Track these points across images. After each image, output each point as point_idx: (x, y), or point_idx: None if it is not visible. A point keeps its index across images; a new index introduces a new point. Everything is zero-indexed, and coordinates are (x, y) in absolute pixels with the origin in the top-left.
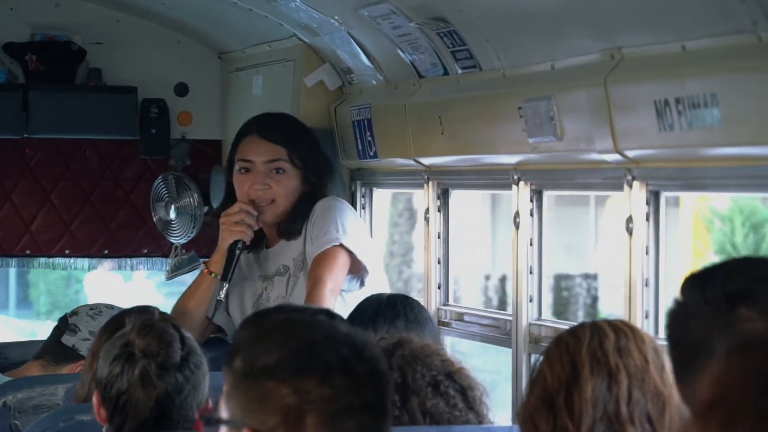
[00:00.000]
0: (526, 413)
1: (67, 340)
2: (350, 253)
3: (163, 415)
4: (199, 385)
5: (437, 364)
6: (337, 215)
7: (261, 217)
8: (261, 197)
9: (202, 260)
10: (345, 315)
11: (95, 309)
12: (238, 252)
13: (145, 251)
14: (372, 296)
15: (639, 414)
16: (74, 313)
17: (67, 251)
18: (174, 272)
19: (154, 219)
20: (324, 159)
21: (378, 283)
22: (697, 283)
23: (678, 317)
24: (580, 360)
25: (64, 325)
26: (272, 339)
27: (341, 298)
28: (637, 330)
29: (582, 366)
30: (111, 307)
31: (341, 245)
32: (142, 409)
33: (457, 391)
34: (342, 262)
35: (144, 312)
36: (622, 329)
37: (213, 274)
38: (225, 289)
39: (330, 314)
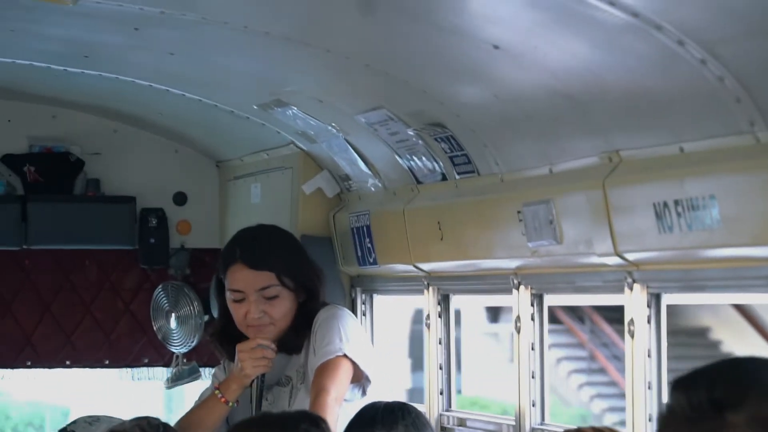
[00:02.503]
0: None
1: None
2: (353, 363)
3: None
4: None
5: None
6: (340, 325)
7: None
8: (259, 323)
9: (201, 369)
10: (344, 424)
11: (93, 417)
12: (262, 385)
13: (146, 360)
14: (370, 403)
15: None
16: (72, 422)
17: (67, 362)
18: (174, 382)
19: (155, 328)
20: (311, 267)
21: (380, 392)
22: (682, 388)
23: (665, 422)
24: None
25: None
26: None
27: (342, 408)
28: None
29: None
30: (110, 417)
31: (345, 355)
32: None
33: None
34: (345, 372)
35: (146, 421)
36: None
37: (231, 404)
38: None
39: (314, 423)
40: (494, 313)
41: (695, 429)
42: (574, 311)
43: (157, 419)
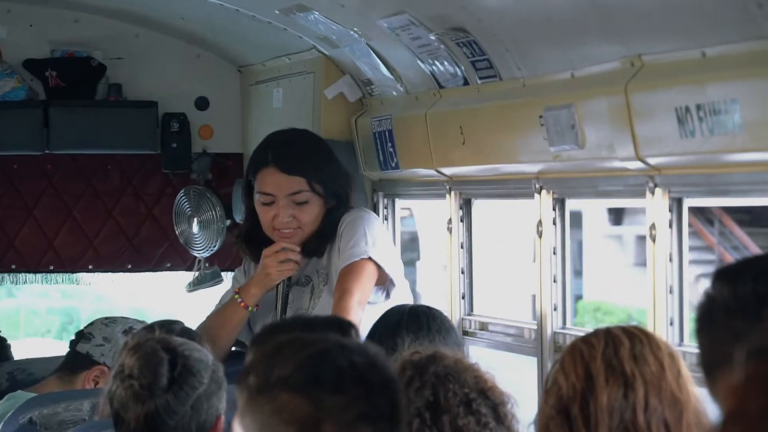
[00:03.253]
0: (542, 422)
1: (81, 347)
2: (378, 266)
3: None
4: (201, 407)
5: (470, 381)
6: (366, 227)
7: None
8: (286, 227)
9: (223, 273)
10: (369, 327)
11: (110, 318)
12: (287, 290)
13: (168, 265)
14: (395, 307)
15: (656, 421)
16: (89, 324)
17: (90, 266)
18: (195, 286)
19: (177, 233)
20: (342, 173)
21: (403, 295)
22: (727, 278)
23: (706, 312)
24: (595, 368)
25: (78, 336)
26: (285, 352)
27: (365, 311)
28: (651, 336)
29: (597, 374)
30: (126, 318)
31: (369, 258)
32: (135, 429)
33: (489, 408)
34: (370, 275)
35: (166, 327)
36: (636, 335)
37: (251, 308)
38: None
39: (342, 329)
40: (617, 215)
41: (734, 321)
42: (703, 213)
43: (180, 323)
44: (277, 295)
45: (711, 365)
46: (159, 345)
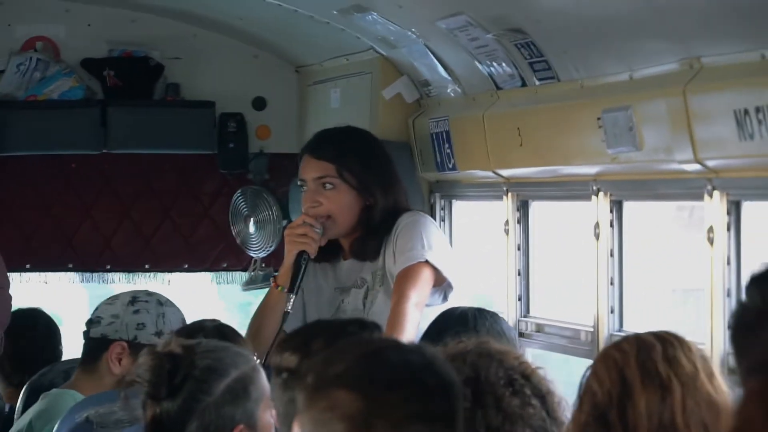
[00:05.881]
0: (577, 429)
1: (95, 332)
2: (435, 269)
3: None
4: (209, 417)
5: (514, 364)
6: (422, 230)
7: (326, 233)
8: (314, 213)
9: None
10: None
11: (112, 297)
12: (303, 263)
13: (225, 265)
14: (444, 311)
15: (695, 423)
16: (94, 310)
17: (147, 266)
18: (249, 285)
19: (234, 233)
20: (384, 172)
21: (460, 298)
22: (757, 283)
23: (738, 316)
24: (629, 374)
25: (88, 324)
26: (342, 351)
27: (423, 314)
28: (682, 339)
29: (633, 379)
30: (127, 292)
31: (426, 261)
32: (147, 429)
33: (535, 395)
34: (427, 278)
35: (198, 326)
36: (667, 339)
37: (280, 288)
38: (292, 300)
39: (363, 326)
40: None
41: (764, 322)
42: None
43: (216, 321)
44: (297, 273)
45: (743, 371)
46: (164, 354)
